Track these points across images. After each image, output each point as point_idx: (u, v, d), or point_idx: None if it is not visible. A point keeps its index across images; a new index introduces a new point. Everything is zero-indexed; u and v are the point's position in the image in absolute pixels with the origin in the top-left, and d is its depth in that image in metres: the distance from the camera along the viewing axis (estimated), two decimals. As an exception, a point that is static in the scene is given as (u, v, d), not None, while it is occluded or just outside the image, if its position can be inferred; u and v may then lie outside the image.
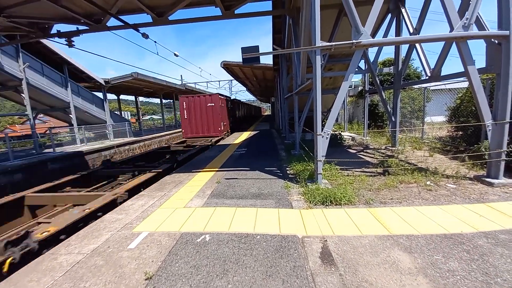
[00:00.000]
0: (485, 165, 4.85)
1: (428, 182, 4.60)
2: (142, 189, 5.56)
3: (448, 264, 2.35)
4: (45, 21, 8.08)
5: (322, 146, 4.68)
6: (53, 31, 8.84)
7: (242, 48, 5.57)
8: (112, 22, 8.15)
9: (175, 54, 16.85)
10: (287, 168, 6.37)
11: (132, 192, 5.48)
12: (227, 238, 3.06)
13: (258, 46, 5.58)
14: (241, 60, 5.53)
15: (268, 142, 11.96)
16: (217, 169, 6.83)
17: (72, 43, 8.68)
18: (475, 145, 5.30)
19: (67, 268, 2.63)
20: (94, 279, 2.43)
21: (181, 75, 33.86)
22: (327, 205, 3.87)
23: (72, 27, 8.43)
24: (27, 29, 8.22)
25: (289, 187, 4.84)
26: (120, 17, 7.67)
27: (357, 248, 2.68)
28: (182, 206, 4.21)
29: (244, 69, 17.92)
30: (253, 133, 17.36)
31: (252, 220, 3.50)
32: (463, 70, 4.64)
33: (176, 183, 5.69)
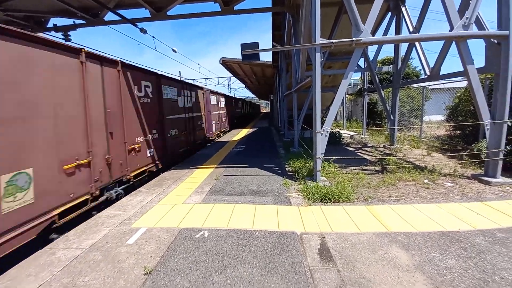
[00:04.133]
0: (482, 164, 4.89)
1: (425, 180, 4.63)
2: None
3: (445, 262, 2.37)
4: (41, 14, 7.97)
5: (321, 143, 4.69)
6: (50, 25, 8.73)
7: (241, 44, 5.54)
8: (110, 16, 8.07)
9: (173, 50, 16.67)
10: (285, 165, 6.38)
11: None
12: (226, 234, 3.06)
13: (257, 42, 5.55)
14: (240, 58, 5.50)
15: (267, 140, 11.96)
16: (215, 165, 6.83)
17: (69, 37, 8.56)
18: (473, 144, 5.34)
19: (65, 263, 2.62)
20: (93, 274, 2.42)
21: (179, 71, 33.63)
22: (325, 202, 3.89)
23: (68, 21, 8.33)
24: (23, 22, 8.10)
25: (288, 184, 4.85)
26: (118, 11, 7.57)
27: (355, 245, 2.70)
28: (180, 202, 4.21)
29: (243, 66, 17.83)
30: (252, 130, 17.36)
31: (251, 217, 3.51)
32: (462, 69, 4.66)
33: (175, 179, 5.68)
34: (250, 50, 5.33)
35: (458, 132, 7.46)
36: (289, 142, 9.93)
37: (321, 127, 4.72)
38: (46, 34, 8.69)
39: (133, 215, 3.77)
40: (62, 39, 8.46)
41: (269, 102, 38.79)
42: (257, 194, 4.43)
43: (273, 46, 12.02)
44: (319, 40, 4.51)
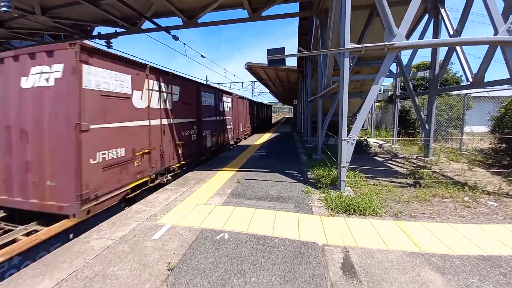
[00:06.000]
0: (535, 183, 4.31)
1: (466, 198, 4.20)
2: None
3: (487, 290, 2.12)
4: (86, 23, 8.83)
5: (346, 152, 4.51)
6: (94, 33, 9.65)
7: (268, 49, 5.58)
8: (146, 25, 8.68)
9: (202, 56, 17.35)
10: (308, 172, 6.23)
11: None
12: (245, 238, 3.06)
13: (284, 48, 5.55)
14: (265, 62, 5.55)
15: (289, 145, 11.82)
16: (237, 169, 6.90)
17: (111, 44, 9.37)
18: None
19: (98, 252, 2.83)
20: (121, 265, 2.58)
21: (206, 76, 34.78)
22: (350, 214, 3.71)
23: (110, 30, 9.14)
24: (71, 30, 9.04)
25: (310, 192, 4.73)
26: (154, 19, 8.12)
27: (383, 263, 2.53)
28: (202, 203, 4.32)
29: (268, 71, 17.93)
30: (274, 135, 17.29)
31: (271, 223, 3.47)
32: (509, 76, 4.20)
33: (198, 180, 5.85)
34: (276, 56, 5.35)
35: (504, 145, 6.68)
36: (312, 148, 9.70)
37: (348, 135, 4.55)
38: (91, 41, 9.62)
39: (159, 212, 3.95)
40: (105, 45, 9.30)
41: (292, 107, 38.46)
42: (277, 200, 4.38)
43: (299, 50, 11.93)
44: (348, 44, 4.38)
